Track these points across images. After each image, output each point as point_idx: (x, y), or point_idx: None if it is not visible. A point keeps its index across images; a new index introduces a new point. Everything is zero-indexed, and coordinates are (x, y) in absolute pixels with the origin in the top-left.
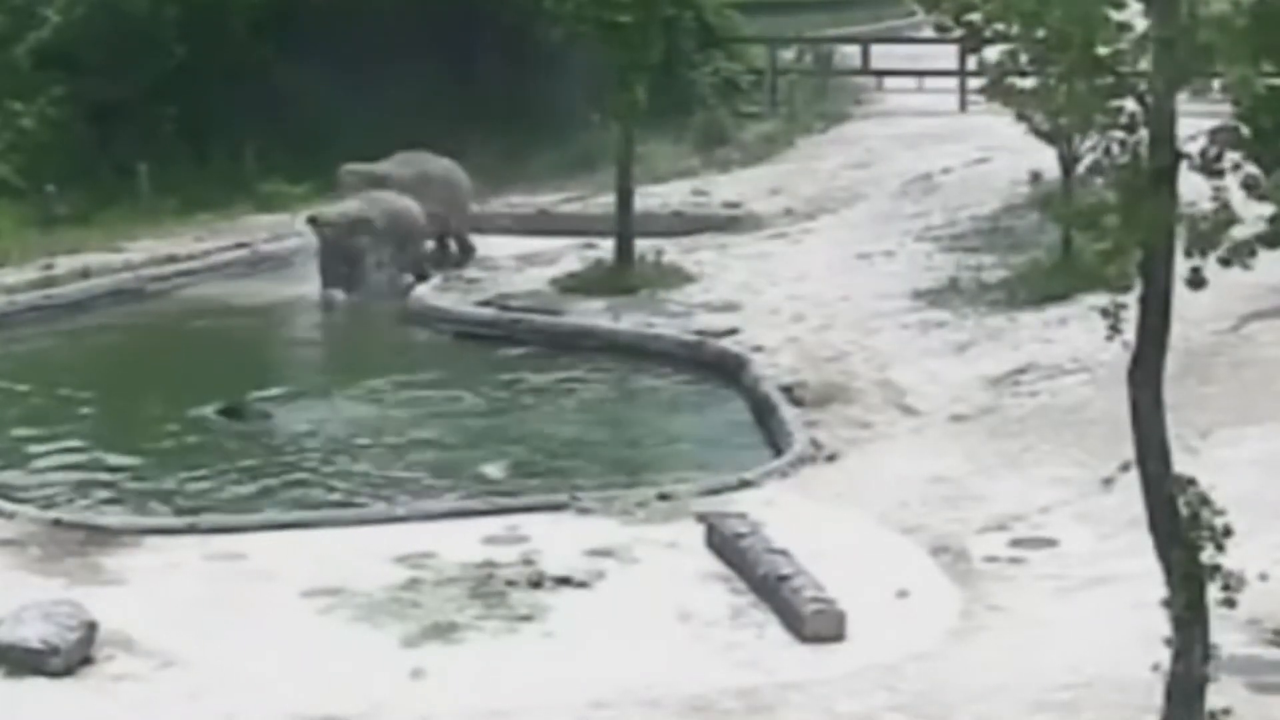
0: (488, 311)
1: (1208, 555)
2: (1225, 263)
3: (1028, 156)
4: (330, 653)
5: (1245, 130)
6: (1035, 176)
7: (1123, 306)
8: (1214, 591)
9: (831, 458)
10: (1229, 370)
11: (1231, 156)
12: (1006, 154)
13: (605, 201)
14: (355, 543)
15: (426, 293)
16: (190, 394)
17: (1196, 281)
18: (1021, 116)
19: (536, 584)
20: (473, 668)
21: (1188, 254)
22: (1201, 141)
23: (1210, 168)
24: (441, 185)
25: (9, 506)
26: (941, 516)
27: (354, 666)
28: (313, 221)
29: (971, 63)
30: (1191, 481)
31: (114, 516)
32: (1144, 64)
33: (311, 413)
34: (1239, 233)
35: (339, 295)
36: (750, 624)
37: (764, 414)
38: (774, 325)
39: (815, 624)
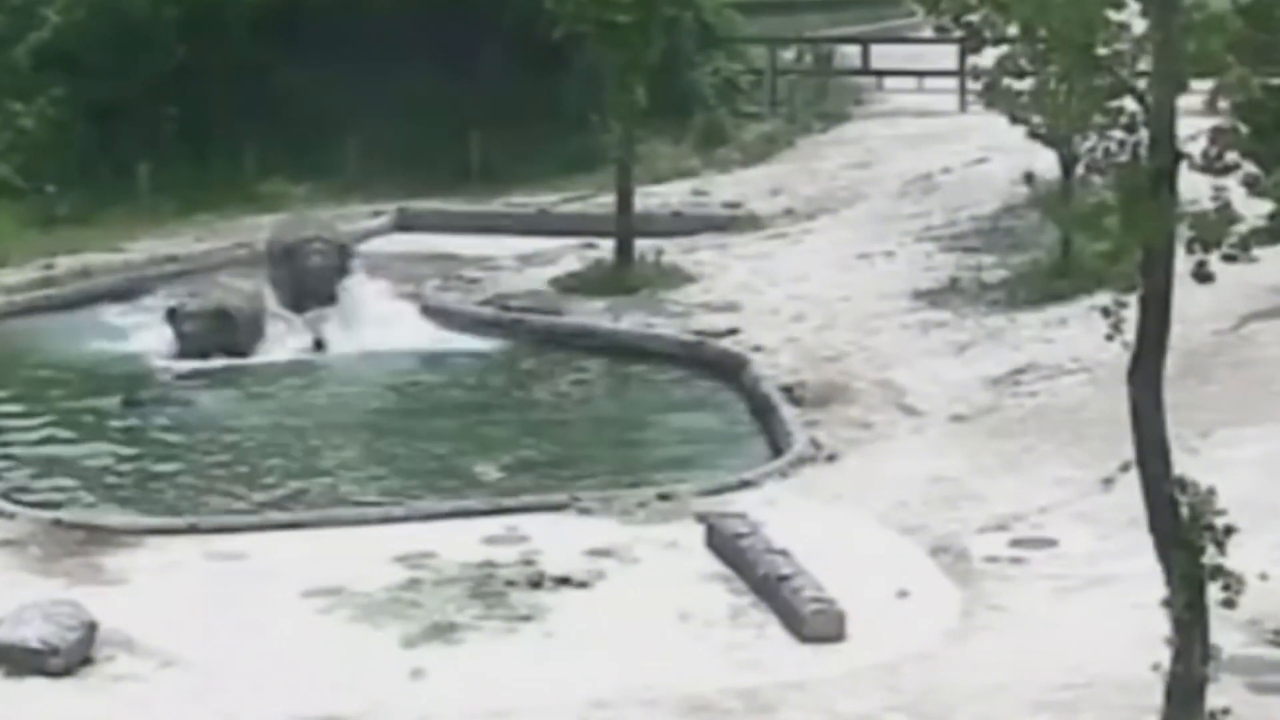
0: (488, 311)
1: (1208, 556)
2: (1230, 258)
3: (1027, 157)
4: (330, 653)
5: (1244, 129)
6: (1029, 178)
7: (1123, 305)
8: (1214, 592)
9: (831, 458)
10: (1229, 370)
11: (1231, 156)
12: (1006, 154)
13: (605, 201)
14: (355, 543)
15: (429, 293)
16: None
17: (1203, 275)
18: (1017, 120)
19: (536, 584)
20: (473, 668)
21: (1189, 250)
22: (1202, 142)
23: (1212, 167)
24: None
25: (9, 507)
26: (941, 516)
27: (354, 666)
28: (172, 315)
29: (972, 63)
30: (1192, 482)
31: (115, 516)
32: (1143, 64)
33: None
34: (1239, 229)
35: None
36: (750, 624)
37: (764, 414)
38: (774, 325)
39: (815, 624)
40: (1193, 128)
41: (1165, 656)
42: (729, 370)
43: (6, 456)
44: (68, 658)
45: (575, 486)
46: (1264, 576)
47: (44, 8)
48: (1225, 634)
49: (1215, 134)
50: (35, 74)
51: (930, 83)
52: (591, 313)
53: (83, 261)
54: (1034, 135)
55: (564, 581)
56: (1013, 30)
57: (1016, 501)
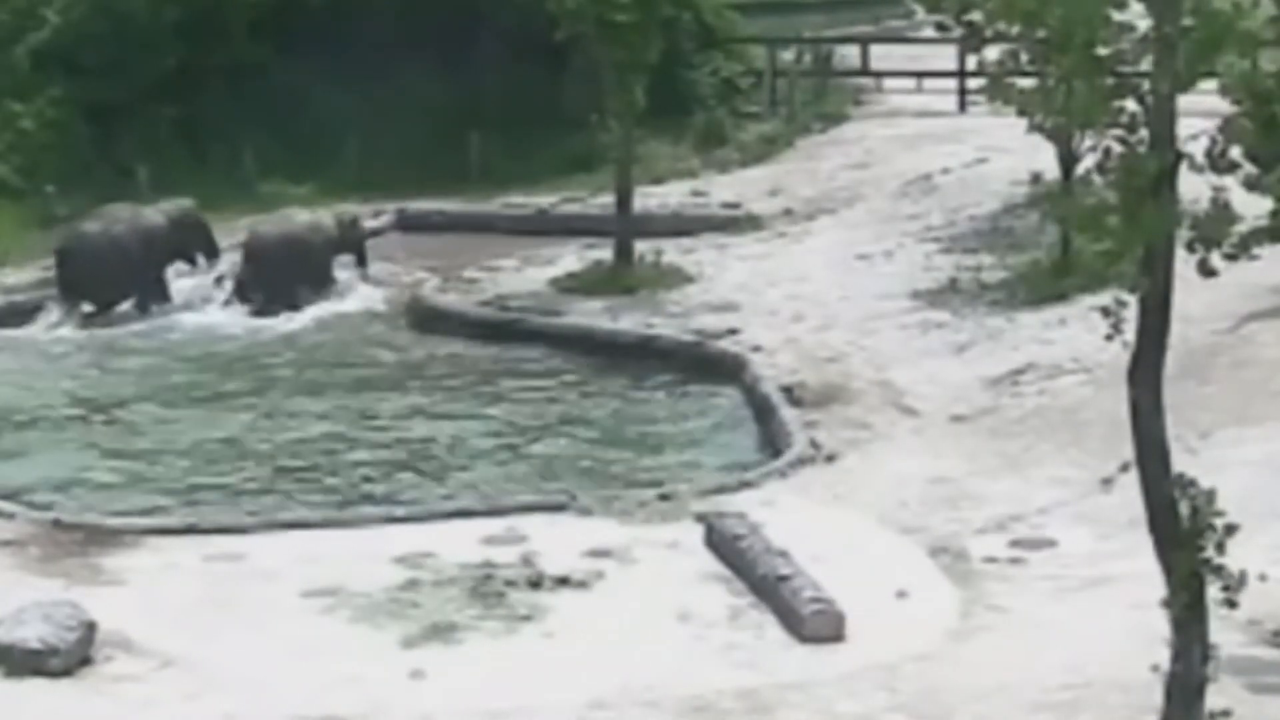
0: (489, 311)
1: (1208, 555)
2: (1231, 257)
3: (1026, 157)
4: (330, 653)
5: (1249, 124)
6: (1036, 178)
7: (1124, 305)
8: (1214, 591)
9: (831, 458)
10: (1229, 370)
11: (1233, 154)
12: (1005, 154)
13: (605, 201)
14: (355, 543)
15: (429, 293)
16: None
17: (1207, 270)
18: (1023, 113)
19: (536, 584)
20: (473, 668)
21: (1190, 250)
22: (1205, 140)
23: (1216, 164)
24: None
25: (9, 507)
26: (941, 517)
27: (354, 666)
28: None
29: (971, 63)
30: (1192, 482)
31: (114, 517)
32: (1145, 64)
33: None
34: (1239, 228)
35: None
36: (750, 625)
37: (763, 414)
38: (773, 325)
39: (814, 625)
40: (1193, 128)
41: (1165, 656)
42: (728, 370)
43: None
44: (67, 658)
45: (575, 486)
46: (1264, 577)
47: (44, 8)
48: (1225, 634)
49: (1224, 126)
50: (35, 74)
51: (930, 83)
52: (591, 313)
53: None
54: (1036, 129)
55: (563, 581)
56: (1015, 28)
57: (1016, 502)
